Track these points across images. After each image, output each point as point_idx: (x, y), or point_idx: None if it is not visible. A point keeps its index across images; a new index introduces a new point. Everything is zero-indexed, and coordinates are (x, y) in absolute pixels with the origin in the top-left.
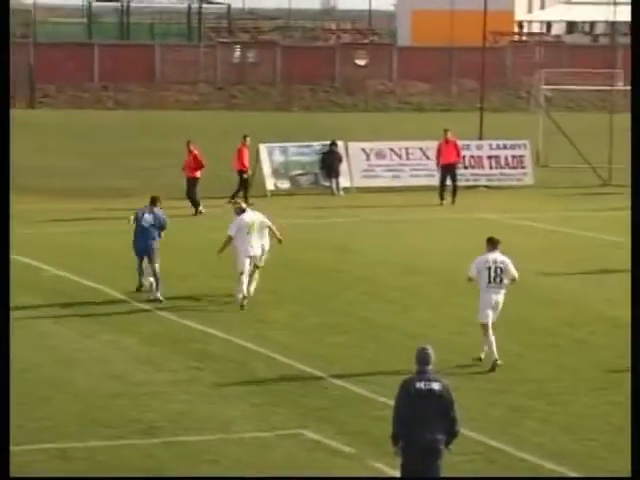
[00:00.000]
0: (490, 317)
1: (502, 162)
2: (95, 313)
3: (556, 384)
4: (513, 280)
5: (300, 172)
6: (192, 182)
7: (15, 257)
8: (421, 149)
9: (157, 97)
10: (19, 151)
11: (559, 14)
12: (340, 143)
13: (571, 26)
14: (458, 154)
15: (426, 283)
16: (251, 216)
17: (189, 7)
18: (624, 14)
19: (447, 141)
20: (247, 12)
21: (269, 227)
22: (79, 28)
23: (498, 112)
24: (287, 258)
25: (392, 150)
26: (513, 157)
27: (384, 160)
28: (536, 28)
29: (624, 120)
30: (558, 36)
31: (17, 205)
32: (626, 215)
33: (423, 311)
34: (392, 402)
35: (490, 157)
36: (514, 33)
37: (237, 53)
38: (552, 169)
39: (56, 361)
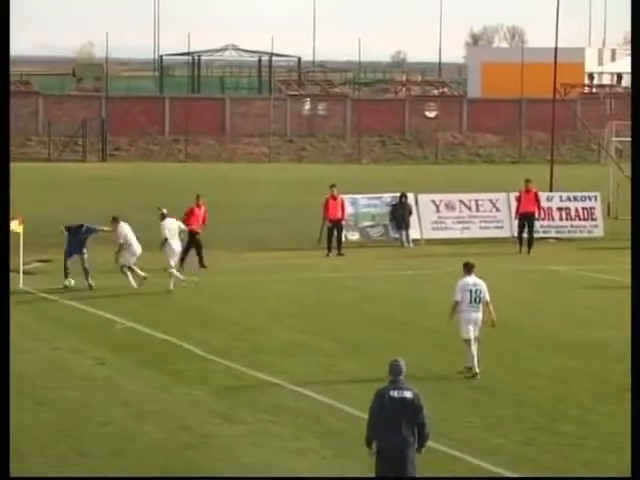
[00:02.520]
0: (471, 333)
1: (572, 214)
2: (167, 366)
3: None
4: (486, 303)
5: (370, 224)
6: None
7: (87, 309)
8: (491, 201)
9: (227, 150)
10: (92, 204)
11: (630, 66)
12: (410, 195)
13: None
14: (537, 204)
15: (494, 335)
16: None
17: (259, 60)
18: None
19: (528, 191)
20: (317, 65)
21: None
22: (150, 81)
23: (568, 164)
24: (358, 309)
25: (462, 202)
26: (583, 209)
27: (454, 212)
28: (607, 80)
29: None
30: (628, 88)
31: (106, 256)
32: None
33: (491, 363)
34: (473, 460)
35: (560, 209)
36: (584, 85)
37: (307, 105)
38: (623, 221)
39: (130, 414)
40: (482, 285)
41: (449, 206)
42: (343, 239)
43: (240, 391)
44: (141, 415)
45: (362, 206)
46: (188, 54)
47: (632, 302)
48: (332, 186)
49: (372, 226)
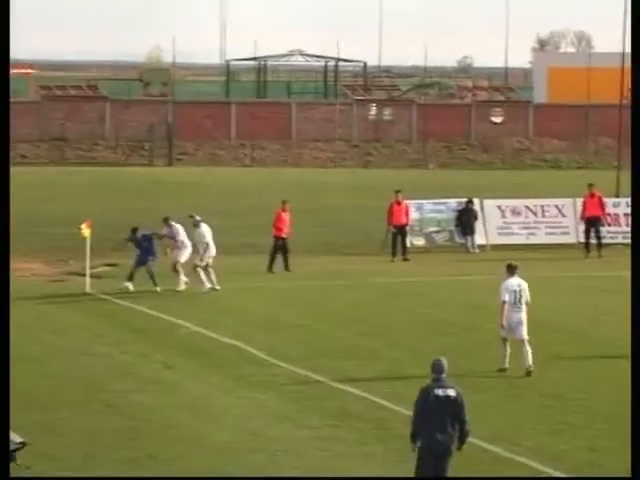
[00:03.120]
0: (518, 333)
1: None
2: (232, 370)
3: None
4: (527, 304)
5: (435, 229)
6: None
7: (153, 313)
8: (557, 206)
9: (293, 154)
10: (158, 208)
11: None
12: (475, 200)
13: None
14: (602, 208)
15: (561, 341)
16: None
17: (326, 65)
18: None
19: (592, 195)
20: (383, 70)
21: None
22: (217, 86)
23: None
24: (422, 314)
25: (528, 207)
26: None
27: (520, 217)
28: None
29: None
30: None
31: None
32: None
33: (558, 370)
34: (537, 465)
35: (627, 215)
36: None
37: (373, 110)
38: None
39: (196, 417)
40: (525, 286)
41: (515, 212)
42: (408, 244)
43: (305, 395)
44: (207, 418)
45: (427, 211)
46: (254, 59)
47: (632, 302)
48: (397, 192)
49: (437, 231)
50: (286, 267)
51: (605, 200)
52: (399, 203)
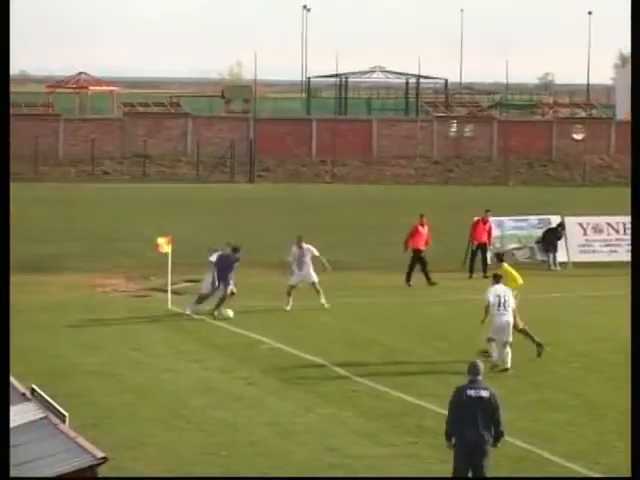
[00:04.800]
0: (504, 335)
1: None
2: (313, 386)
3: None
4: (512, 309)
5: (516, 246)
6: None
7: (234, 329)
8: None
9: (374, 171)
10: (240, 224)
11: None
12: (557, 218)
13: None
14: None
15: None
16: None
17: (407, 82)
18: None
19: None
20: (464, 86)
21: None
22: (298, 103)
23: None
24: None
25: (609, 225)
26: None
27: (601, 235)
28: None
29: None
30: None
31: (252, 279)
32: None
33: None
34: None
35: None
36: None
37: (454, 127)
38: None
39: (277, 434)
40: (509, 292)
41: (596, 229)
42: (489, 262)
43: (385, 412)
44: (288, 435)
45: (508, 228)
46: (336, 76)
47: (632, 302)
48: (487, 211)
49: (518, 248)
50: (428, 280)
51: None
52: (485, 222)
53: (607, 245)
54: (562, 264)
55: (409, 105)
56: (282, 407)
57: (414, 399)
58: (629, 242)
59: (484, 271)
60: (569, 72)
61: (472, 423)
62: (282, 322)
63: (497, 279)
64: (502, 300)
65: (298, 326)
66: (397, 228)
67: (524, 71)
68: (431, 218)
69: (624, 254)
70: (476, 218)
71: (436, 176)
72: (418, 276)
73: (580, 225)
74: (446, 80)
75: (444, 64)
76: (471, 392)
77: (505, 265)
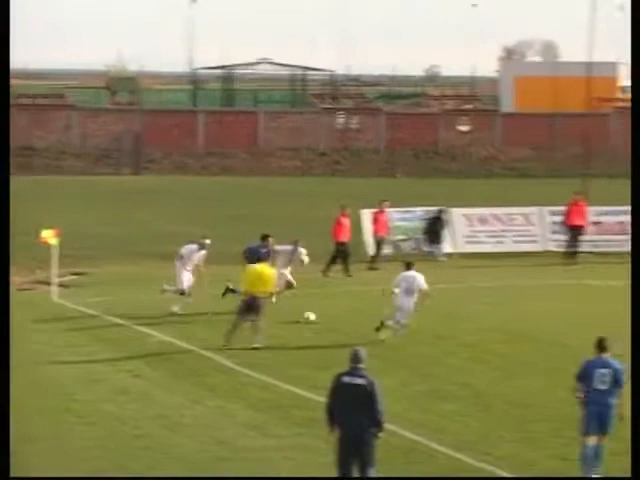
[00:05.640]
0: (405, 318)
1: (606, 228)
2: (202, 379)
3: None
4: (424, 293)
5: (403, 238)
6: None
7: (124, 322)
8: (524, 215)
9: (261, 163)
10: (127, 216)
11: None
12: (445, 209)
13: None
14: (585, 218)
15: (532, 350)
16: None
17: (294, 74)
18: None
19: (576, 204)
20: (351, 78)
21: None
22: (184, 95)
23: (602, 178)
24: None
25: (495, 216)
26: (617, 223)
27: (486, 226)
28: None
29: None
30: None
31: (138, 269)
32: None
33: (529, 379)
34: (507, 474)
35: (594, 223)
36: (618, 99)
37: (340, 119)
38: None
39: (164, 427)
40: (420, 278)
41: (482, 220)
42: (374, 253)
43: (274, 404)
44: (175, 428)
45: (395, 220)
46: (222, 67)
47: (632, 303)
48: (384, 201)
49: (404, 240)
50: (346, 272)
51: (587, 209)
52: (382, 213)
53: (492, 236)
54: (448, 255)
55: (296, 97)
56: (170, 400)
57: (303, 391)
58: (515, 233)
59: (372, 262)
60: (455, 64)
61: (348, 410)
62: (172, 316)
63: (409, 266)
64: (410, 285)
65: (189, 320)
66: (287, 219)
67: (411, 63)
68: (318, 210)
69: (510, 245)
70: (375, 210)
71: (323, 168)
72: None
73: (466, 216)
74: (333, 72)
75: (332, 56)
76: (347, 379)
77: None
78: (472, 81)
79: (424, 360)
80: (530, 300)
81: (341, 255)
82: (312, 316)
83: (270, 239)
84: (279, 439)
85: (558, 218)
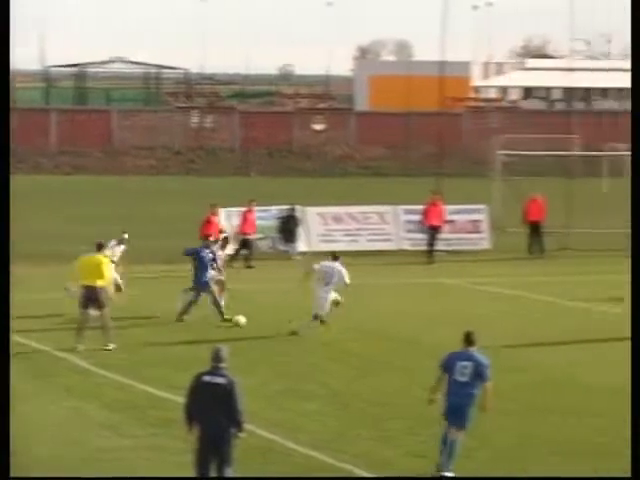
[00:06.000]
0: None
1: (459, 227)
2: (57, 379)
3: (519, 450)
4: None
5: (259, 236)
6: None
7: None
8: (379, 214)
9: (115, 162)
10: None
11: (515, 80)
12: (298, 208)
13: (527, 92)
14: (442, 217)
15: (388, 348)
16: None
17: (147, 72)
18: (579, 80)
19: (434, 203)
20: (205, 77)
21: None
22: (36, 93)
23: (456, 177)
24: (253, 322)
25: (349, 215)
26: (470, 222)
27: (341, 225)
28: (493, 94)
29: (581, 185)
30: (514, 101)
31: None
32: (585, 280)
33: (386, 377)
34: (363, 472)
35: (448, 222)
36: (471, 99)
37: (195, 118)
38: (509, 234)
39: (18, 428)
40: (343, 270)
41: (336, 219)
42: (232, 252)
43: (130, 404)
44: (31, 430)
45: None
46: (74, 66)
47: (632, 303)
48: (252, 201)
49: (261, 239)
50: (248, 265)
51: (444, 208)
52: (251, 212)
53: (347, 235)
54: (302, 254)
55: (150, 96)
56: (24, 400)
57: (159, 391)
58: (369, 231)
59: (245, 259)
60: (309, 63)
61: (208, 410)
62: (34, 317)
63: (334, 258)
64: (326, 276)
65: (49, 320)
66: (145, 218)
67: (265, 62)
68: (173, 209)
69: (364, 243)
70: (243, 209)
71: (177, 167)
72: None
73: (320, 215)
74: (187, 71)
75: (187, 55)
76: (207, 378)
77: None
78: (327, 80)
79: (283, 359)
80: (385, 299)
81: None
82: (242, 320)
83: (211, 240)
84: (135, 439)
85: (412, 217)
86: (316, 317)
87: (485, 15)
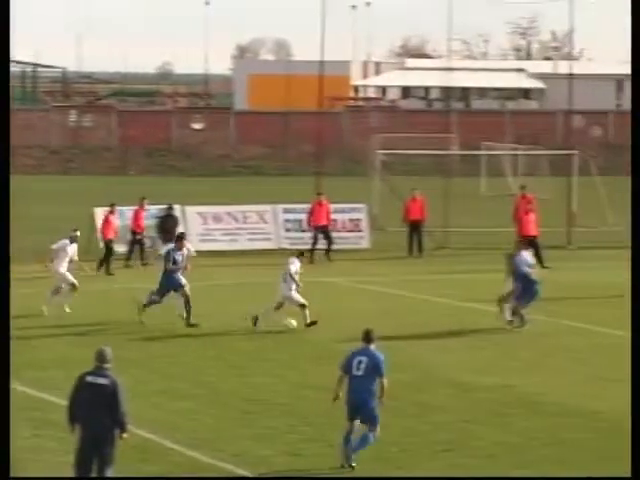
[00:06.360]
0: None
1: (339, 226)
2: None
3: (399, 447)
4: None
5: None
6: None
7: None
8: (258, 213)
9: None
10: None
11: (394, 79)
12: (177, 207)
13: (406, 91)
14: (328, 217)
15: (269, 346)
16: None
17: (23, 71)
18: (457, 80)
19: (320, 204)
20: (83, 76)
21: None
22: None
23: (335, 176)
24: (132, 322)
25: (229, 214)
26: (350, 221)
27: (221, 224)
28: (372, 93)
29: (459, 184)
30: (393, 101)
31: None
32: (462, 278)
33: (266, 375)
34: (239, 471)
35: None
36: (350, 98)
37: (72, 117)
38: (388, 232)
39: None
40: (290, 264)
41: (216, 218)
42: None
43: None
44: None
45: (128, 218)
46: None
47: (632, 303)
48: (143, 198)
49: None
50: (100, 267)
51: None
52: (142, 210)
53: (227, 234)
54: None
55: (26, 94)
56: None
57: (39, 392)
58: (249, 231)
59: (141, 258)
60: (188, 62)
61: (90, 410)
62: None
63: (299, 256)
64: (286, 274)
65: None
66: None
67: (144, 61)
68: (51, 209)
69: (244, 243)
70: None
71: (55, 166)
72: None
73: (200, 214)
74: (64, 69)
75: (65, 53)
76: (90, 378)
77: None
78: (206, 79)
79: (161, 359)
80: (265, 297)
81: (109, 252)
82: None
83: (185, 241)
84: (16, 440)
85: (291, 216)
86: (303, 306)
87: (364, 15)
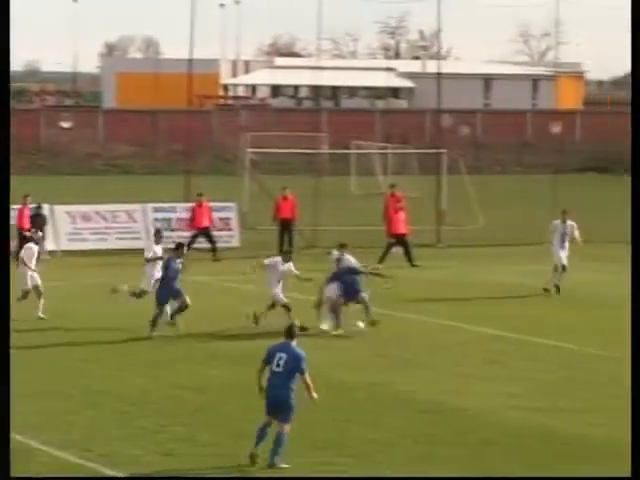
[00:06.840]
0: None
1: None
2: None
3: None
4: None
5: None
6: None
7: None
8: (127, 212)
9: None
10: None
11: (263, 78)
12: (45, 206)
13: (275, 90)
14: (210, 218)
15: (143, 346)
16: None
17: None
18: (327, 79)
19: (201, 205)
20: None
21: None
22: None
23: (205, 175)
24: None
25: (98, 213)
26: (220, 219)
27: (90, 223)
28: (241, 92)
29: (329, 183)
30: (263, 99)
31: None
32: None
33: (139, 377)
34: (108, 471)
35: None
36: (219, 97)
37: None
38: (258, 231)
39: None
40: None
41: (85, 217)
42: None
43: None
44: None
45: (12, 217)
46: None
47: (632, 303)
48: (26, 196)
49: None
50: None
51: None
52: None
53: (96, 233)
54: (51, 252)
55: None
56: None
57: None
58: (118, 230)
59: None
60: (56, 60)
61: None
62: None
63: (287, 256)
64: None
65: None
66: None
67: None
68: None
69: (113, 242)
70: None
71: None
72: None
73: (68, 214)
74: None
75: None
76: None
77: None
78: (74, 77)
79: (36, 361)
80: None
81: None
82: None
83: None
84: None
85: (161, 215)
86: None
87: (232, 13)
